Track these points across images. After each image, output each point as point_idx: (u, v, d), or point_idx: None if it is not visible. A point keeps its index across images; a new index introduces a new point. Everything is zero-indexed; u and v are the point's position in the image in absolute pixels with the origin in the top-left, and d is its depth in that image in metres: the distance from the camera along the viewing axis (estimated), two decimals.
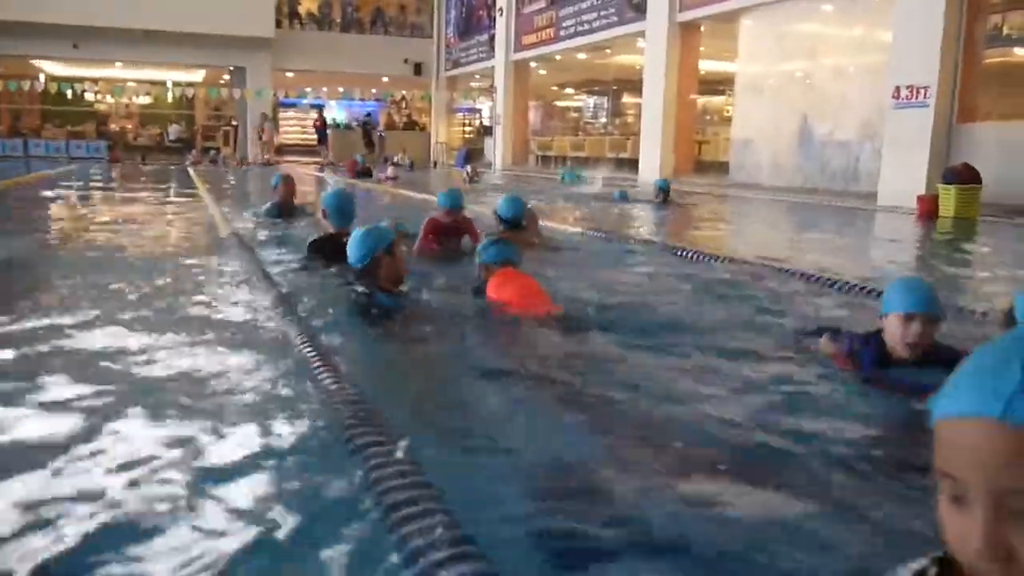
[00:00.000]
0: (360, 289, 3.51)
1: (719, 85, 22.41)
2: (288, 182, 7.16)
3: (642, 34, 17.68)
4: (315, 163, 25.05)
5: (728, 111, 21.83)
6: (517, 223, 5.18)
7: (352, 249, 3.50)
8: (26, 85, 22.31)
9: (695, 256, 5.57)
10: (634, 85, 20.92)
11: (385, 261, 3.48)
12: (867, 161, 12.59)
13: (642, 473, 1.96)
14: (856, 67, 13.15)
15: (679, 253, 5.76)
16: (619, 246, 6.33)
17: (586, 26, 20.10)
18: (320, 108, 28.92)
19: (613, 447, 2.17)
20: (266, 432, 2.14)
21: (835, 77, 13.53)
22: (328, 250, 4.40)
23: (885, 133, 11.59)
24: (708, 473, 1.97)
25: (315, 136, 27.36)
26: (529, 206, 5.70)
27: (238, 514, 1.67)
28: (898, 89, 11.00)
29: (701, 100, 20.02)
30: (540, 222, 6.07)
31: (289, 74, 28.25)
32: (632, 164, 18.74)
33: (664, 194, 10.53)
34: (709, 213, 10.44)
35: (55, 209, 9.24)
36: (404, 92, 30.11)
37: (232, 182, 15.94)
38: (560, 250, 5.63)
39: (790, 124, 14.22)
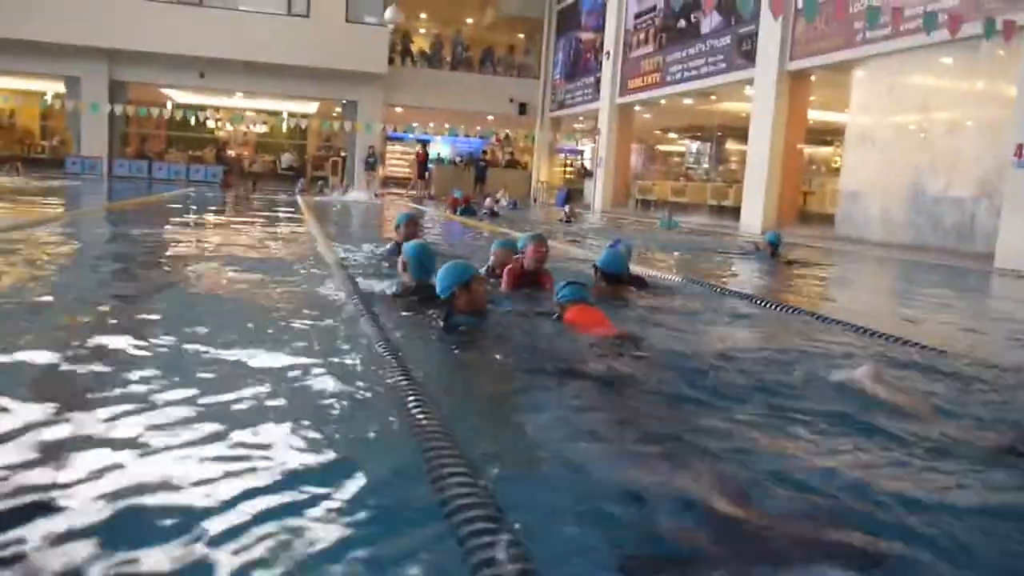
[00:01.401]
0: (440, 313, 3.95)
1: (827, 135, 21.94)
2: (411, 223, 6.52)
3: (750, 81, 17.49)
4: (409, 195, 25.72)
5: (835, 162, 21.30)
6: (616, 277, 5.13)
7: (438, 280, 3.97)
8: (155, 112, 23.68)
9: (816, 319, 5.18)
10: (739, 132, 20.68)
11: (462, 295, 3.91)
12: (983, 220, 12.05)
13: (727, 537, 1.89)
14: (974, 121, 12.64)
15: (798, 314, 5.41)
16: (731, 302, 6.01)
17: (693, 72, 20.02)
18: (424, 143, 29.59)
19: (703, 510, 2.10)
20: (346, 444, 2.20)
21: (951, 131, 13.04)
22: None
23: (1005, 192, 11.08)
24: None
25: (417, 168, 27.82)
26: (625, 248, 5.64)
27: (312, 524, 1.75)
28: (1020, 147, 10.51)
29: (808, 150, 19.60)
30: (638, 268, 5.98)
31: (398, 109, 29.11)
32: (734, 212, 18.46)
33: (774, 248, 9.78)
34: (822, 271, 9.93)
35: (170, 230, 9.69)
36: (508, 131, 30.58)
37: (339, 214, 16.43)
38: (661, 297, 5.53)
39: (901, 178, 13.75)
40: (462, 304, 3.91)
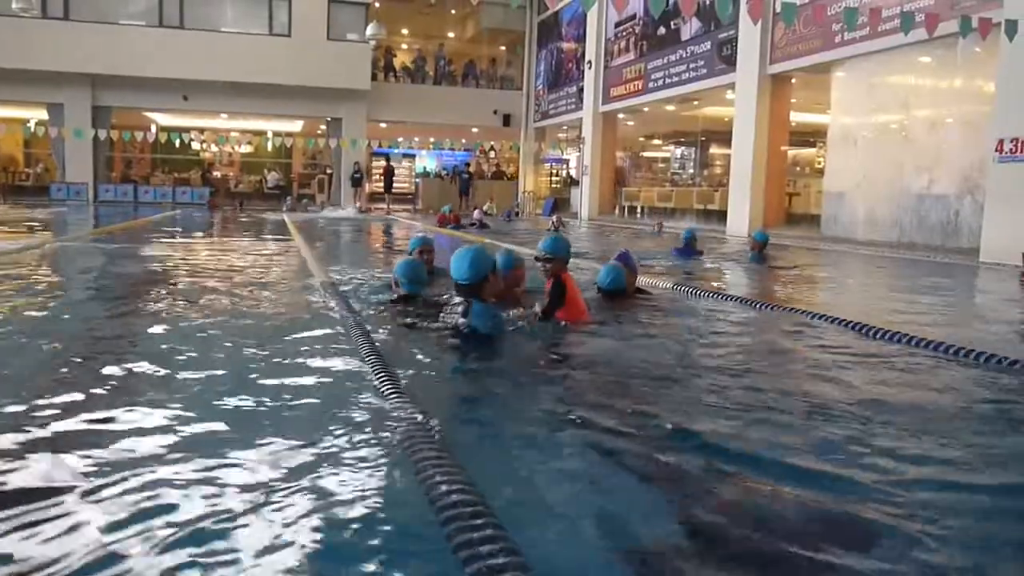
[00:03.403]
0: (463, 301, 3.87)
1: (810, 136, 22.11)
2: (426, 249, 5.87)
3: (732, 86, 17.61)
4: (380, 209, 25.99)
5: (819, 163, 21.45)
6: (617, 292, 5.16)
7: (464, 267, 3.87)
8: (139, 135, 23.66)
9: (818, 319, 5.15)
10: (722, 136, 20.82)
11: (492, 279, 3.96)
12: (968, 216, 12.16)
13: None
14: (955, 119, 12.78)
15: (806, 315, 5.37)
16: (726, 305, 6.03)
17: (675, 78, 20.16)
18: (387, 156, 29.90)
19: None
20: (339, 466, 2.18)
21: (932, 129, 13.17)
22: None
23: (987, 187, 11.19)
24: None
25: (384, 182, 28.16)
26: (632, 259, 5.65)
27: (298, 536, 1.75)
28: (1001, 142, 10.63)
29: (791, 152, 19.72)
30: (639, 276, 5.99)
31: (382, 124, 29.15)
32: (720, 216, 18.56)
33: (762, 246, 9.87)
34: (812, 269, 9.95)
35: (155, 254, 9.67)
36: (493, 143, 30.68)
37: (325, 230, 16.41)
38: (662, 305, 5.59)
39: (885, 177, 13.87)
40: (490, 289, 3.94)
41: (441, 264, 5.72)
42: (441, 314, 4.04)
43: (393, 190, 28.25)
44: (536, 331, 4.24)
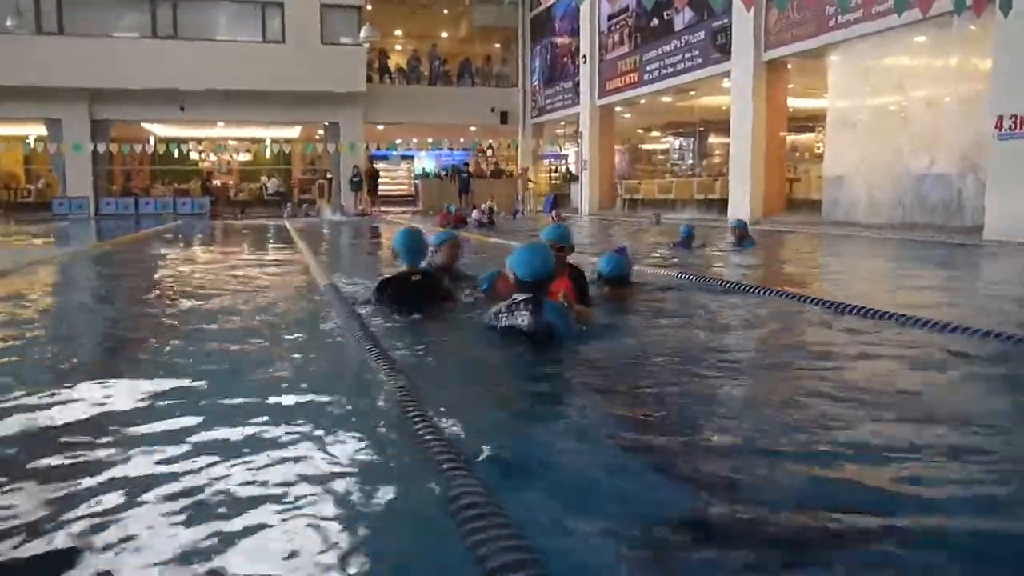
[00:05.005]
0: (529, 299, 3.59)
1: (808, 121, 22.07)
2: (455, 243, 5.62)
3: (728, 74, 17.58)
4: (386, 212, 26.05)
5: (818, 148, 21.40)
6: (619, 281, 5.16)
7: (538, 262, 3.64)
8: (138, 147, 23.66)
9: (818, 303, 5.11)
10: (720, 125, 20.80)
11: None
12: (971, 194, 12.12)
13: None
14: (952, 97, 12.73)
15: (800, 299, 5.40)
16: (731, 291, 6.05)
17: (670, 69, 20.13)
18: (371, 159, 29.87)
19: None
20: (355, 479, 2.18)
21: (930, 108, 13.12)
22: (396, 289, 4.55)
23: (989, 165, 11.15)
24: None
25: (368, 184, 28.15)
26: (627, 253, 5.68)
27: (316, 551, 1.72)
28: (1001, 119, 10.59)
29: (790, 138, 19.67)
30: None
31: (380, 127, 29.14)
32: (721, 205, 18.53)
33: (743, 232, 9.74)
34: (806, 253, 9.94)
35: (159, 262, 9.69)
36: (491, 140, 30.65)
37: (327, 234, 16.42)
38: (662, 294, 5.63)
39: (885, 159, 13.82)
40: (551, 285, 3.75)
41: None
42: (496, 313, 3.75)
43: (379, 192, 28.33)
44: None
